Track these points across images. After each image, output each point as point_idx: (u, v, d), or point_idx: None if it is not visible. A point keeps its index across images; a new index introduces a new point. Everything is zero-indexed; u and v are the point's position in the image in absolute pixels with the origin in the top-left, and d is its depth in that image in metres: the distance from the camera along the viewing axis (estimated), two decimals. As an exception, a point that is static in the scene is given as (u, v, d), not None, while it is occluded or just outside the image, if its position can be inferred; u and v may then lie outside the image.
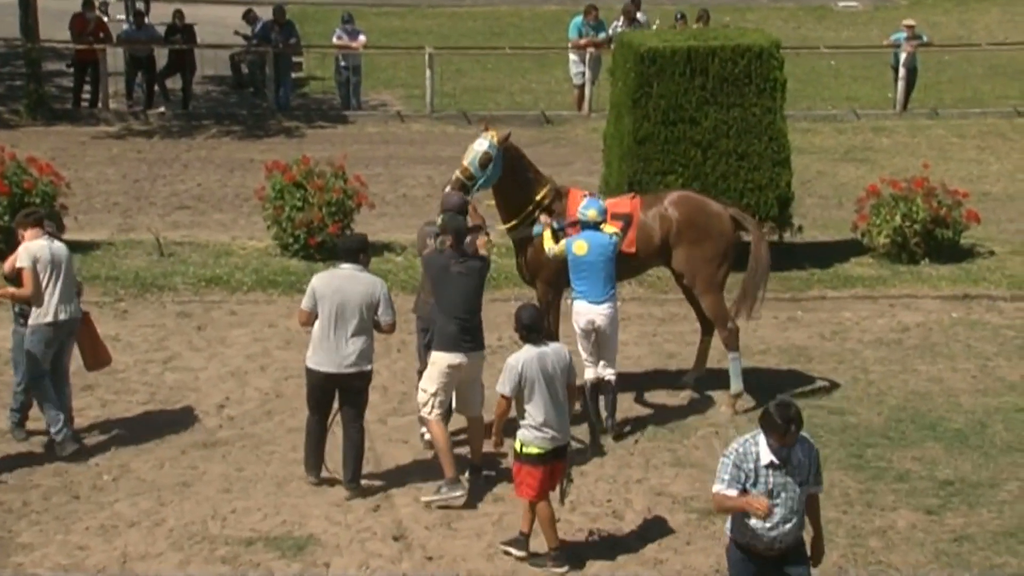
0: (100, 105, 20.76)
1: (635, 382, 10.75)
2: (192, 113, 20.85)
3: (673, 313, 12.60)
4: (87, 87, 20.86)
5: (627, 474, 9.10)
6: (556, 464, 7.74)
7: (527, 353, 7.65)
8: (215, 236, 14.38)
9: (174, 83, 21.07)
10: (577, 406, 8.85)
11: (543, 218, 9.61)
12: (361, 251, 8.50)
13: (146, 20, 20.99)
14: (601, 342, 9.49)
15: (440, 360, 8.38)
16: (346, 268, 8.41)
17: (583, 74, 21.03)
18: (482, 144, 9.47)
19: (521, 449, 7.66)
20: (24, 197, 13.15)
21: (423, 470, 9.03)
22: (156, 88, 20.94)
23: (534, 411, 7.60)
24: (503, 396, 7.68)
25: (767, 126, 13.14)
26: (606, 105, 15.31)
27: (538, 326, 7.78)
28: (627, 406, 10.27)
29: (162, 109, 20.77)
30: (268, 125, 20.43)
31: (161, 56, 20.75)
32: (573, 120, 20.88)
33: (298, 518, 8.36)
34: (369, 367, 8.42)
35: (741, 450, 6.25)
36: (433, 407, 8.41)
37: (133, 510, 8.42)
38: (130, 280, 12.79)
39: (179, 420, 9.84)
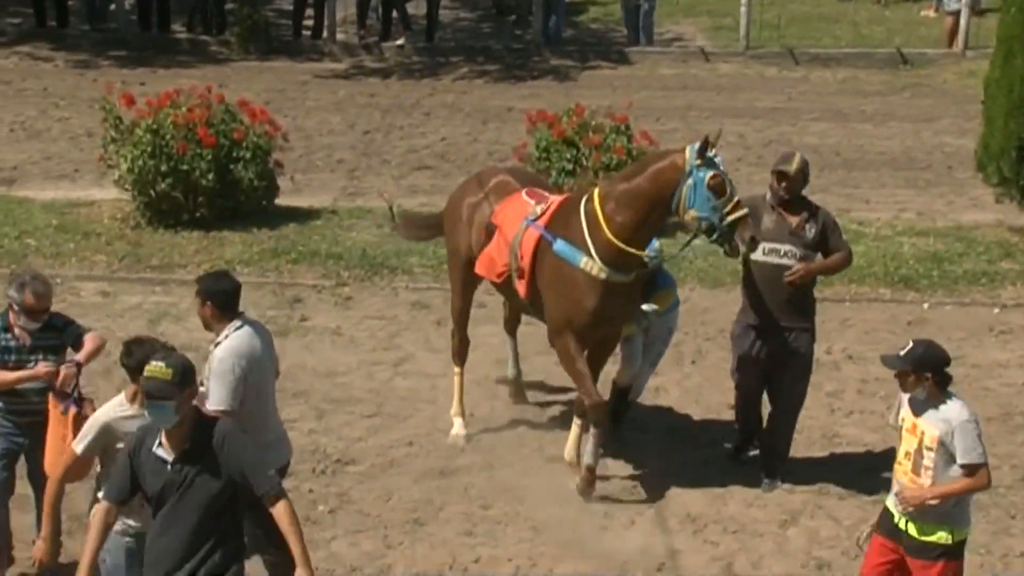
0: (325, 35, 21.65)
1: (1018, 419, 10.39)
2: (437, 47, 21.45)
3: (1079, 327, 12.08)
4: (310, 12, 21.75)
5: (1006, 544, 8.77)
6: None
7: (970, 406, 7.22)
8: (462, 205, 14.74)
9: (417, 8, 21.73)
10: None
11: None
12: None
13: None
14: None
15: None
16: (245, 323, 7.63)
17: (958, -3, 20.39)
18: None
19: (953, 538, 7.15)
20: (233, 150, 13.85)
21: (720, 521, 8.96)
22: (395, 14, 21.62)
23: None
24: (982, 467, 7.03)
25: None
26: (990, 39, 14.75)
27: None
28: (1007, 450, 9.88)
29: (401, 41, 21.45)
30: (532, 64, 20.79)
31: (402, -26, 21.44)
32: (941, 60, 20.26)
33: (561, 573, 8.44)
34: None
35: None
36: None
37: (353, 551, 8.71)
38: (356, 259, 13.27)
39: (411, 439, 10.11)
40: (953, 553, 7.13)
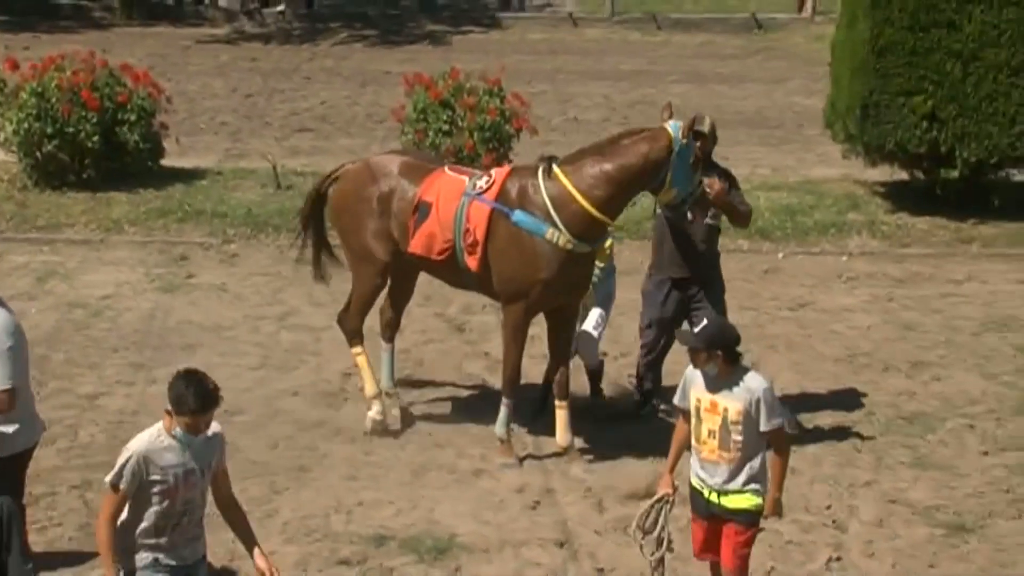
0: (207, 2, 21.30)
1: (862, 359, 10.59)
2: (317, 13, 21.24)
3: (915, 273, 12.36)
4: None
5: (852, 475, 8.95)
6: None
7: (766, 375, 7.26)
8: (342, 165, 14.65)
9: (296, -24, 21.48)
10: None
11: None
12: None
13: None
14: None
15: None
16: None
17: (806, -35, 20.64)
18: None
19: (762, 502, 7.06)
20: (118, 113, 13.63)
21: (594, 459, 9.06)
22: (274, -18, 21.37)
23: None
24: (783, 430, 7.00)
25: (1053, 30, 12.75)
26: (836, 5, 14.97)
27: None
28: (853, 388, 10.11)
29: (281, 7, 21.22)
30: (408, 30, 20.68)
31: (281, -58, 21.21)
32: (792, 25, 20.53)
33: (439, 515, 8.47)
34: None
35: None
36: None
37: (241, 497, 8.44)
38: (240, 217, 13.14)
39: (297, 390, 10.06)
40: (757, 522, 7.09)
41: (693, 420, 6.98)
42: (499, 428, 9.11)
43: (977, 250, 12.84)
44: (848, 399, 9.99)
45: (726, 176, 9.32)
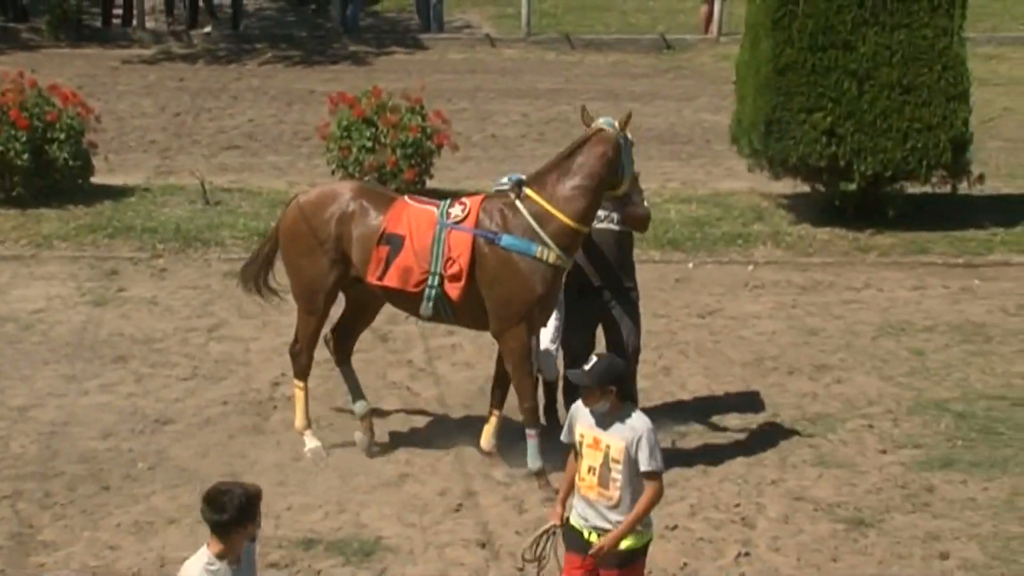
0: (135, 23, 21.20)
1: (768, 363, 10.73)
2: (243, 34, 21.15)
3: (817, 281, 12.54)
4: (119, 1, 21.28)
5: (759, 474, 9.08)
6: None
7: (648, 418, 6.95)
8: (269, 182, 14.60)
9: (221, -2, 21.39)
10: None
11: None
12: None
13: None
14: None
15: None
16: None
17: (712, -12, 20.86)
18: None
19: (640, 543, 6.80)
20: (47, 132, 13.50)
21: (515, 463, 9.10)
22: (201, 3, 21.27)
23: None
24: (660, 475, 6.74)
25: (941, 52, 12.96)
26: (740, 26, 15.15)
27: None
28: (759, 391, 10.24)
29: (207, 29, 21.11)
30: (332, 50, 20.66)
31: (206, -34, 21.10)
32: (699, 45, 20.72)
33: (365, 518, 8.50)
34: None
35: None
36: None
37: (172, 504, 8.62)
38: (170, 233, 13.06)
39: (226, 399, 10.04)
40: (640, 555, 6.82)
41: (576, 456, 6.79)
42: (531, 462, 8.83)
43: (874, 259, 13.05)
44: (755, 401, 10.13)
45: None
